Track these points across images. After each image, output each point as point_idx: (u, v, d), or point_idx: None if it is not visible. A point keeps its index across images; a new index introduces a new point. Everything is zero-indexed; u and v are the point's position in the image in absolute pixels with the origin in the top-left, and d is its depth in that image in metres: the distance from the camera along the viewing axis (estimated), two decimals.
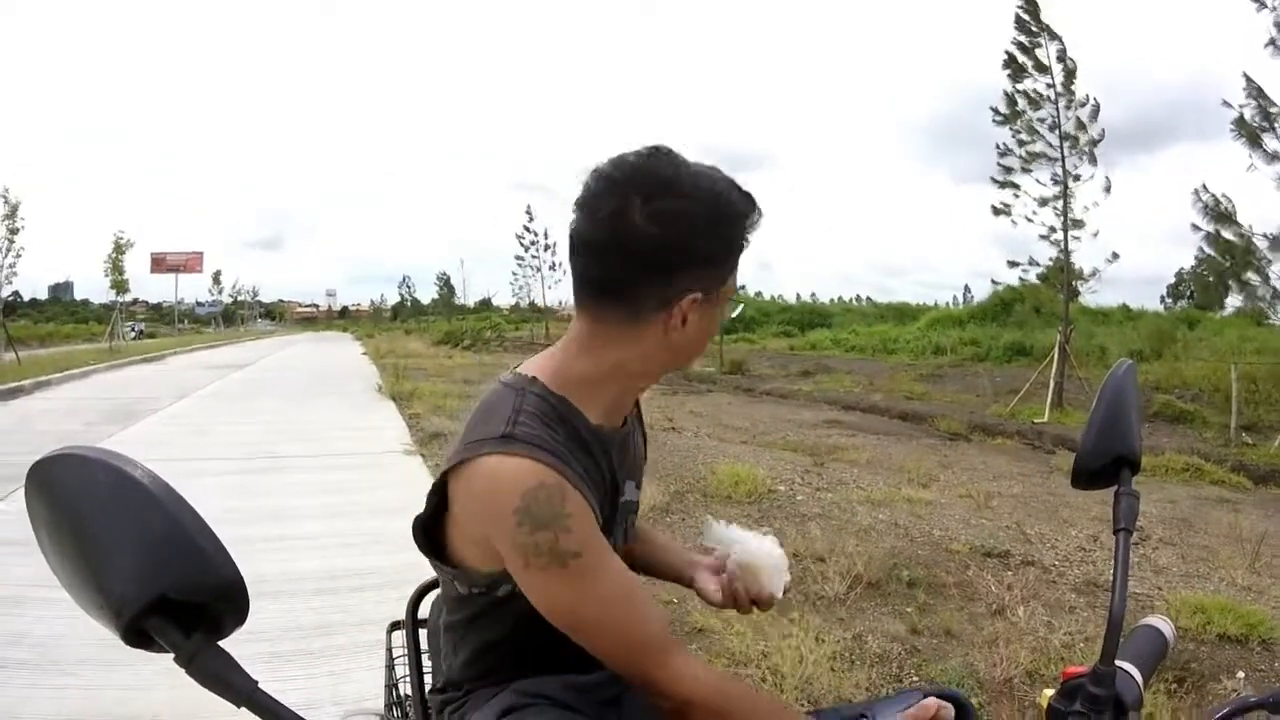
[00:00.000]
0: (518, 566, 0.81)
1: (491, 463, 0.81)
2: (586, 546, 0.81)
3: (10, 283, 16.37)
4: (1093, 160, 11.71)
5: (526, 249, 28.81)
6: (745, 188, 0.89)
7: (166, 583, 0.50)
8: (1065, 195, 11.82)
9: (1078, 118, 11.79)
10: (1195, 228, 10.47)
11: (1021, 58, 12.13)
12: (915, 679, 2.52)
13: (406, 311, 71.86)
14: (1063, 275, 11.93)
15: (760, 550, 1.03)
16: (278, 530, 4.07)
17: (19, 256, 15.90)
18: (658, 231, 0.83)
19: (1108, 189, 11.65)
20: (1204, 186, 10.41)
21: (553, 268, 28.38)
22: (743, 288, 0.97)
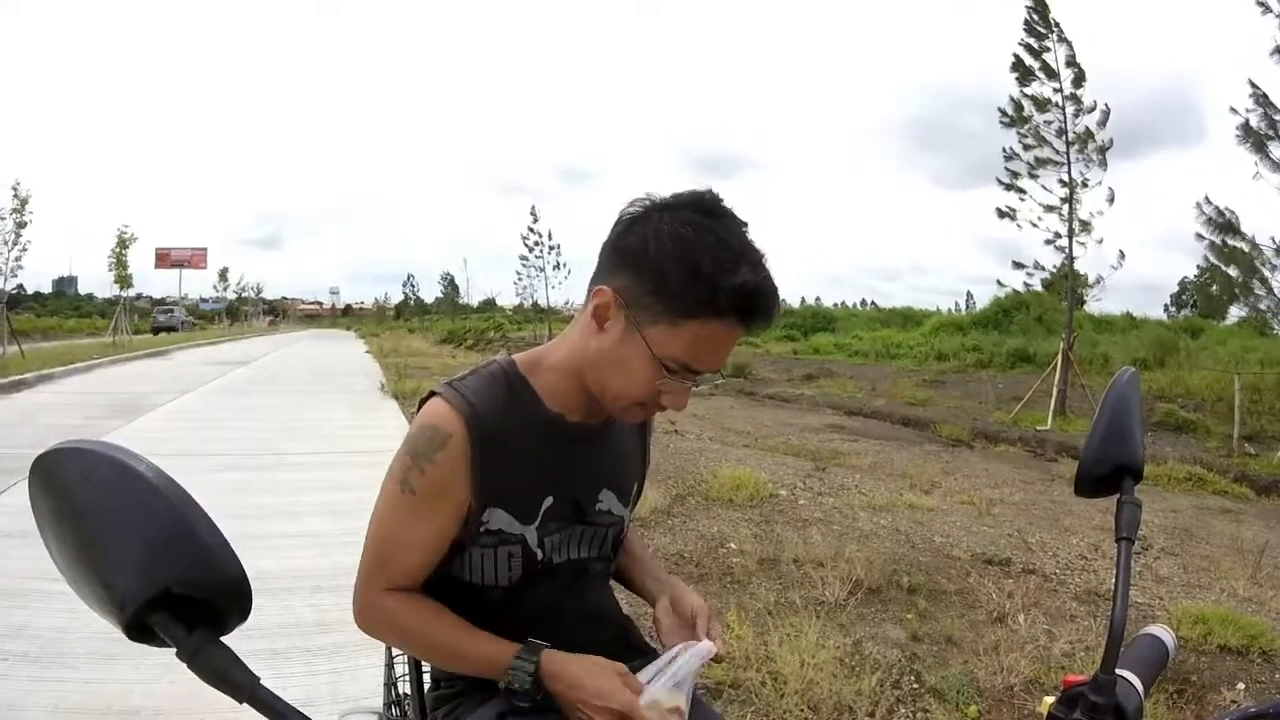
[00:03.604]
0: (389, 470, 0.92)
1: (431, 400, 0.93)
2: (423, 494, 0.89)
3: (15, 276, 16.33)
4: (1102, 165, 11.66)
5: (531, 249, 28.79)
6: (769, 294, 0.84)
7: (170, 577, 0.50)
8: (1071, 201, 11.78)
9: (1086, 127, 11.75)
10: (1200, 237, 10.45)
11: (1029, 61, 12.08)
12: (915, 686, 2.51)
13: (410, 310, 71.80)
14: (1067, 282, 11.89)
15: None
16: (280, 527, 4.08)
17: (25, 250, 15.89)
18: (638, 237, 0.85)
19: (1111, 199, 11.62)
20: (1206, 198, 10.39)
21: (556, 268, 28.35)
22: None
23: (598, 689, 0.85)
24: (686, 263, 0.81)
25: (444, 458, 0.88)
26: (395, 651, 1.16)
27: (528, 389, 0.95)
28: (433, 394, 0.93)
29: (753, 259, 0.83)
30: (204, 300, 62.33)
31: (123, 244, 24.11)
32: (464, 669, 0.93)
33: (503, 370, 0.96)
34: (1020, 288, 13.44)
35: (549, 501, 0.94)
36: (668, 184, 0.89)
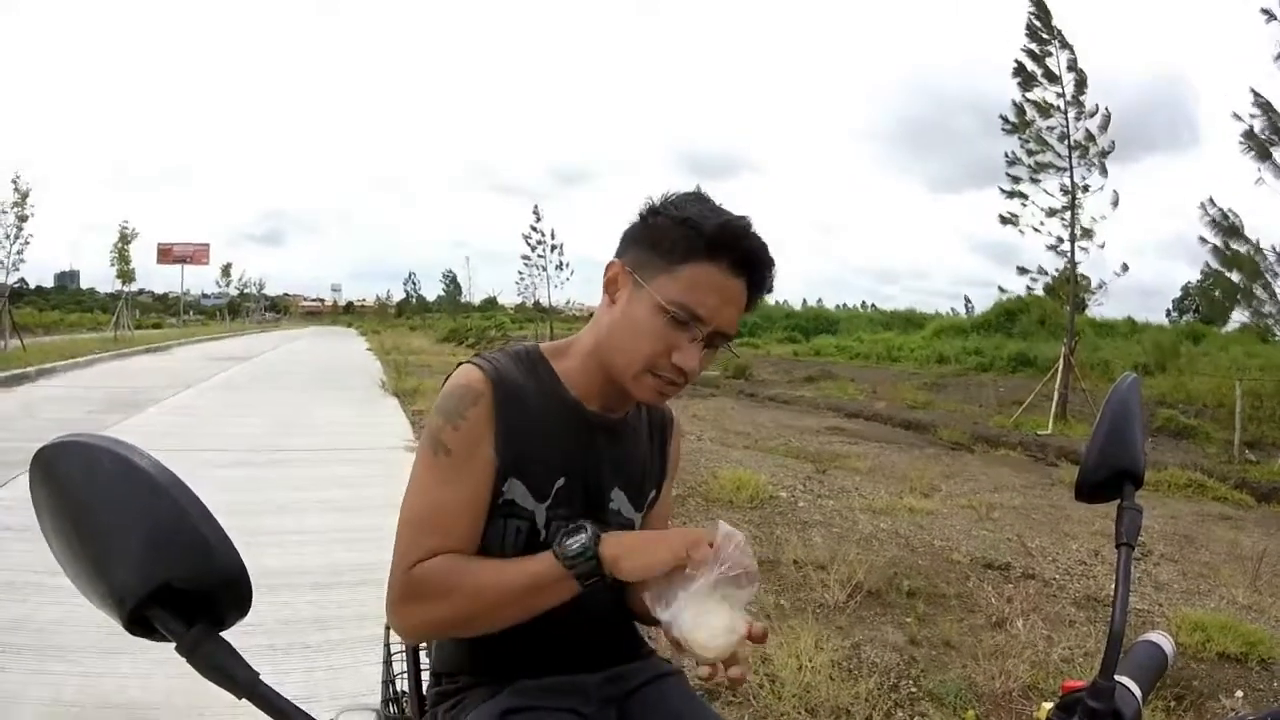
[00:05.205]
0: (421, 443, 0.93)
1: (460, 368, 0.96)
2: (459, 452, 0.89)
3: (18, 270, 16.36)
4: (1103, 172, 11.66)
5: (533, 249, 28.72)
6: (755, 237, 0.90)
7: (170, 572, 0.50)
8: (1073, 206, 11.78)
9: (1087, 130, 11.75)
10: (1203, 240, 10.44)
11: (1031, 66, 12.08)
12: (913, 689, 2.51)
13: (412, 308, 71.75)
14: (1069, 287, 11.89)
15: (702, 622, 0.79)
16: (279, 523, 4.07)
17: (26, 244, 15.91)
18: (640, 219, 0.94)
19: (1115, 202, 11.62)
20: (1211, 200, 10.39)
21: (559, 268, 28.26)
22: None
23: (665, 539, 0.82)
24: (678, 218, 0.89)
25: (475, 413, 0.90)
26: (394, 648, 1.16)
27: (549, 371, 0.98)
28: (460, 365, 0.97)
29: (738, 215, 0.91)
30: (205, 296, 62.43)
31: (125, 239, 24.22)
32: (521, 596, 0.85)
33: (527, 351, 0.99)
34: (1022, 293, 13.46)
35: (561, 482, 0.95)
36: (665, 185, 0.96)
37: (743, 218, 0.91)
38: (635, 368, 0.91)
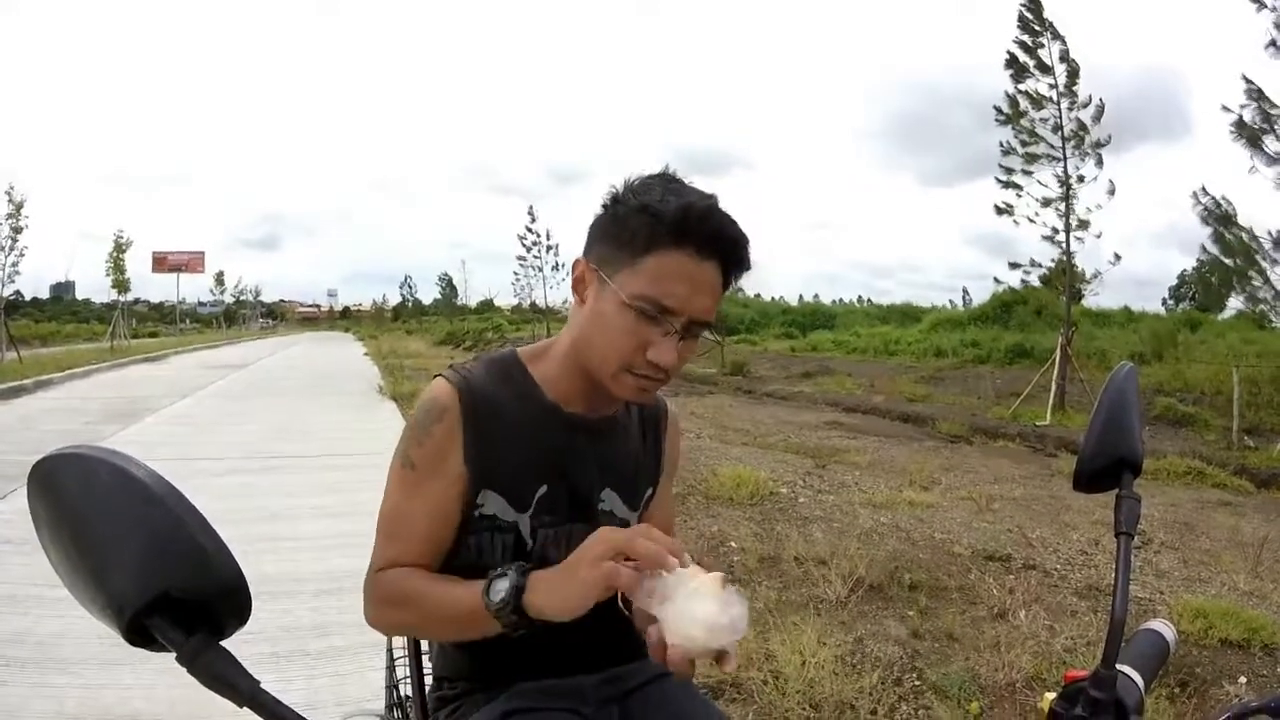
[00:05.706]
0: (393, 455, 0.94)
1: (434, 380, 0.95)
2: (423, 467, 0.90)
3: (13, 281, 16.30)
4: (1099, 163, 11.68)
5: (529, 250, 28.68)
6: (719, 215, 0.85)
7: (168, 581, 0.50)
8: (1068, 197, 11.79)
9: (1079, 120, 11.76)
10: (1205, 222, 10.44)
11: (1024, 57, 12.10)
12: (916, 683, 2.52)
13: (408, 312, 71.63)
14: (1065, 277, 11.90)
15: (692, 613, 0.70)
16: (277, 530, 4.07)
17: (22, 255, 15.85)
18: (605, 210, 0.90)
19: (1112, 191, 11.64)
20: (1203, 189, 10.41)
21: (555, 268, 28.23)
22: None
23: (588, 542, 0.76)
24: (637, 205, 0.85)
25: (440, 429, 0.90)
26: (397, 653, 1.16)
27: (526, 377, 0.96)
28: (435, 377, 0.96)
29: (702, 194, 0.86)
30: (201, 304, 62.34)
31: (120, 248, 24.12)
32: (461, 624, 0.84)
33: (503, 358, 0.98)
34: (1017, 285, 13.45)
35: (543, 490, 0.93)
36: None
37: (707, 196, 0.86)
38: (611, 367, 0.87)
